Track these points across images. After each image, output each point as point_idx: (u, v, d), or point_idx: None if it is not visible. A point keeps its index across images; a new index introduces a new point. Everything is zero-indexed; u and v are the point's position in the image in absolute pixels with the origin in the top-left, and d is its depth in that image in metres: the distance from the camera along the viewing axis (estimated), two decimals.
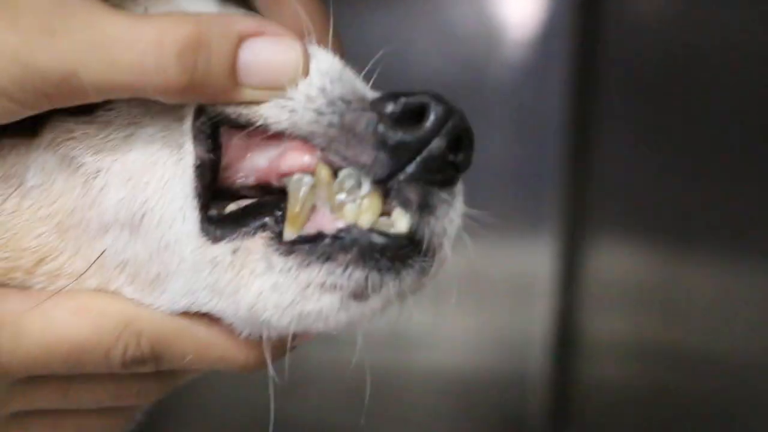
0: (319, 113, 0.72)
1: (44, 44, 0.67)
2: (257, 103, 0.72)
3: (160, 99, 0.70)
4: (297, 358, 0.76)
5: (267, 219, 0.73)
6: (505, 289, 1.91)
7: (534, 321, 1.90)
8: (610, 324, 1.90)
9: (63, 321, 0.68)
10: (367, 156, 0.72)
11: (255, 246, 0.71)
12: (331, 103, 0.72)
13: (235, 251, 0.72)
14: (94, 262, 0.73)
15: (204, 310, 0.73)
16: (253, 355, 0.74)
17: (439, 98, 0.72)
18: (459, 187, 0.75)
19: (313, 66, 0.73)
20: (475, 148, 0.75)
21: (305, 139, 0.72)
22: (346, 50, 0.81)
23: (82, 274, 0.74)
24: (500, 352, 1.90)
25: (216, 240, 0.72)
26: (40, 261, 0.74)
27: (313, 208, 0.72)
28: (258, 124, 0.72)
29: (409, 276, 0.73)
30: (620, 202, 1.88)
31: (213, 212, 0.73)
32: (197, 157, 0.73)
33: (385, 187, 0.72)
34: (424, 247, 0.73)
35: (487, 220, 0.79)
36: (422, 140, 0.72)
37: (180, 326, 0.72)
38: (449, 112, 0.73)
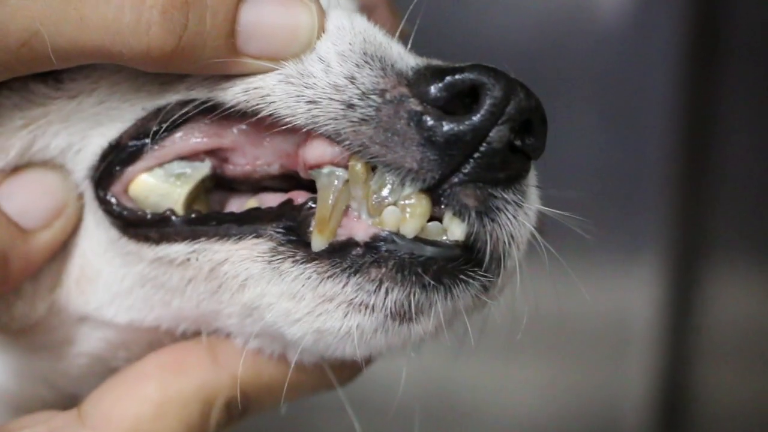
0: (348, 106, 0.67)
1: None
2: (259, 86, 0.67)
3: (139, 67, 0.66)
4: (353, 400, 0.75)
5: (282, 223, 0.68)
6: (592, 334, 1.66)
7: (630, 375, 1.67)
8: (730, 381, 1.68)
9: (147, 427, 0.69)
10: (411, 158, 0.66)
11: (250, 251, 0.68)
12: (363, 95, 0.67)
13: (197, 253, 0.69)
14: None
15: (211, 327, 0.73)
16: (312, 378, 0.73)
17: (493, 72, 0.66)
18: (531, 179, 0.70)
19: (338, 39, 0.68)
20: (548, 128, 0.68)
21: (330, 139, 0.68)
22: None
23: None
24: (586, 414, 1.69)
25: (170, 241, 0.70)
26: None
27: (347, 210, 0.68)
28: (264, 113, 0.67)
29: (464, 294, 0.68)
30: (749, 218, 1.64)
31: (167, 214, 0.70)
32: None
33: (435, 190, 0.68)
34: (486, 257, 0.68)
35: (572, 223, 0.72)
36: (479, 131, 0.66)
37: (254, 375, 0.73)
38: (509, 89, 0.66)
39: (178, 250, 0.69)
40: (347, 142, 0.67)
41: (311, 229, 0.68)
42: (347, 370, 0.74)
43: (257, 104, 0.67)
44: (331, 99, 0.67)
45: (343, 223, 0.68)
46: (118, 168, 0.70)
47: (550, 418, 1.68)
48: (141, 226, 0.70)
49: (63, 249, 0.72)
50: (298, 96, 0.67)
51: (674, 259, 1.66)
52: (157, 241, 0.70)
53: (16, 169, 0.70)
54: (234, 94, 0.67)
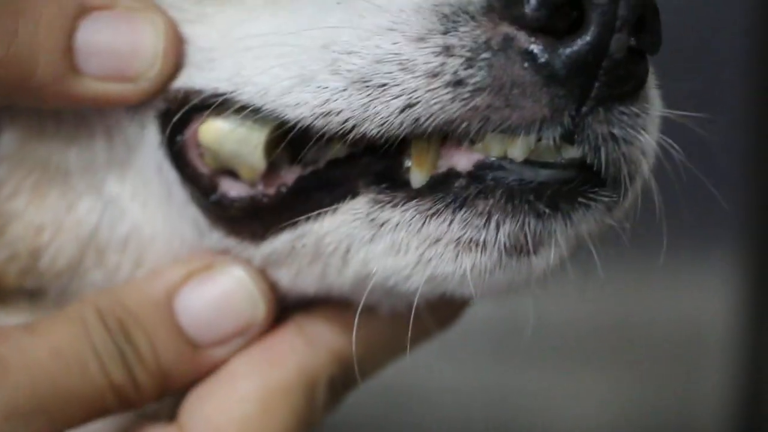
0: (455, 84, 0.61)
1: None
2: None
3: None
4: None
5: (373, 168, 0.64)
6: (663, 342, 1.60)
7: (705, 386, 1.62)
8: None
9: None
10: (540, 106, 0.61)
11: (351, 216, 0.64)
12: (471, 60, 0.61)
13: (300, 238, 0.65)
14: None
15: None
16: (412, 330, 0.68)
17: None
18: (650, 80, 0.65)
19: (404, 25, 0.62)
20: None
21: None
22: None
23: None
24: (657, 429, 1.63)
25: (255, 238, 0.67)
26: None
27: (446, 138, 0.63)
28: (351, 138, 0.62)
29: (586, 218, 0.65)
30: None
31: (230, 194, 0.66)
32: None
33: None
34: (608, 174, 0.64)
35: (693, 122, 0.69)
36: (598, 47, 0.61)
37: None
38: None
39: (284, 239, 0.66)
40: (465, 125, 0.62)
41: (408, 165, 0.64)
42: (448, 311, 0.72)
43: (337, 129, 0.62)
44: (432, 89, 0.61)
45: (442, 153, 0.64)
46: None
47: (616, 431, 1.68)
48: (243, 217, 0.66)
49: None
50: (388, 110, 0.62)
51: (751, 258, 1.61)
52: (262, 236, 0.66)
53: (204, 266, 0.67)
54: (301, 115, 0.63)
